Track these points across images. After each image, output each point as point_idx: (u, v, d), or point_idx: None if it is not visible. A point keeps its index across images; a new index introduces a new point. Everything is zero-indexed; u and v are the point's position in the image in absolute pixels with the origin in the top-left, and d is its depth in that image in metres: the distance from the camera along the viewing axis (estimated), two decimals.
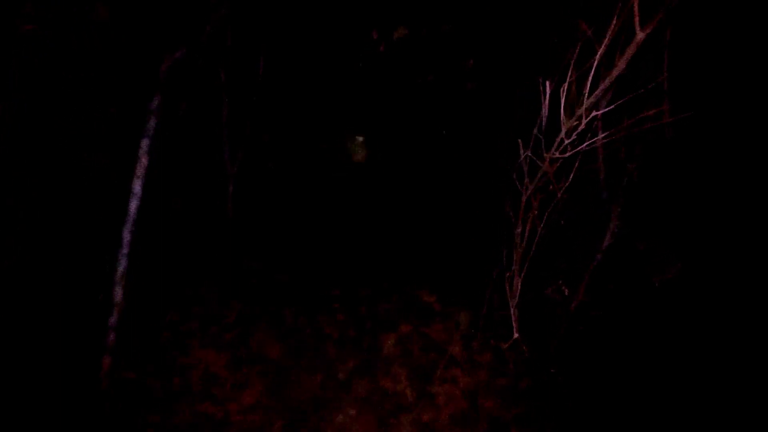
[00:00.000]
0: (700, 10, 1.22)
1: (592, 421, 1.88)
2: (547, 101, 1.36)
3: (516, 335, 1.84)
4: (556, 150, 1.35)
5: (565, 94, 1.34)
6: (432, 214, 2.60)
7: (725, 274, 1.57)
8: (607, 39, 1.12)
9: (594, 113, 1.30)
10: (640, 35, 1.09)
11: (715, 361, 1.76)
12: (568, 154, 1.41)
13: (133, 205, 1.77)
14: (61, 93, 2.04)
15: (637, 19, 1.09)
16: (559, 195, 1.47)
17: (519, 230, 1.62)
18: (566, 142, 1.38)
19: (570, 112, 1.35)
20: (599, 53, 1.14)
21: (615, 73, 1.16)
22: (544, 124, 1.42)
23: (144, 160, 1.78)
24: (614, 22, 1.11)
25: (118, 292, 1.81)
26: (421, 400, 2.12)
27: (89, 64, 2.05)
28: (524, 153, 1.47)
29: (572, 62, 1.22)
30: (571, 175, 1.43)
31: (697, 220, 1.50)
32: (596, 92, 1.24)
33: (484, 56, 2.04)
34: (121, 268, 1.81)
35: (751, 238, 1.48)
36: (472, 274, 2.39)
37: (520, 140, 1.54)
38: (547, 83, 1.28)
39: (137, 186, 1.77)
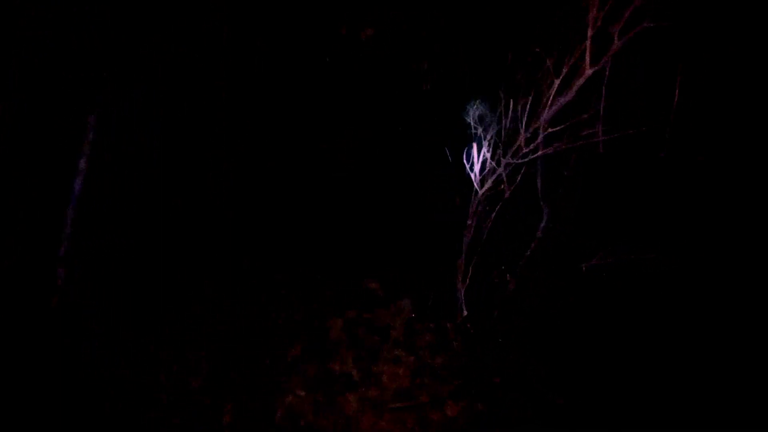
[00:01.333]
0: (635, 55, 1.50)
1: (521, 392, 2.21)
2: (509, 114, 1.57)
3: (465, 313, 2.06)
4: (512, 156, 1.57)
5: (524, 110, 1.55)
6: (387, 208, 2.72)
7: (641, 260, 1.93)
8: (564, 71, 1.35)
9: (549, 130, 1.53)
10: (588, 71, 1.33)
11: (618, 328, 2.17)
12: (521, 161, 1.63)
13: (78, 182, 1.64)
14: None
15: (588, 58, 1.32)
16: (507, 195, 1.69)
17: (470, 222, 1.83)
18: (524, 150, 1.61)
19: (527, 126, 1.57)
20: (556, 83, 1.37)
21: (566, 99, 1.39)
22: (504, 133, 1.62)
23: (91, 136, 1.66)
24: (568, 59, 1.34)
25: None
26: (367, 379, 2.26)
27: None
28: (482, 155, 1.67)
29: (530, 84, 1.43)
30: (518, 177, 1.67)
31: (616, 219, 1.85)
32: (550, 112, 1.47)
33: (443, 61, 2.20)
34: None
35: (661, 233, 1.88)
36: (417, 263, 2.57)
37: (475, 144, 1.73)
38: (510, 101, 1.49)
39: (82, 163, 1.65)
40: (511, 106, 1.54)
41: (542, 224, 1.83)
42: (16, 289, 2.06)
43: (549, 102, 1.46)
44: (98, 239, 2.29)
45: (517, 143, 1.58)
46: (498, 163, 1.69)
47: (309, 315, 2.49)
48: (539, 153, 1.58)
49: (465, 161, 1.84)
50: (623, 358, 2.14)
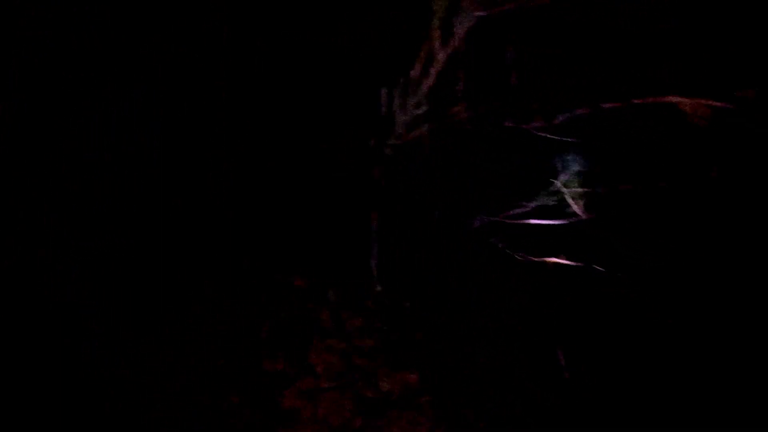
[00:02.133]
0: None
1: (443, 352, 2.39)
2: (385, 102, 1.70)
3: (378, 288, 2.20)
4: (394, 138, 1.72)
5: (397, 96, 1.69)
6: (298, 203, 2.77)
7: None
8: (421, 57, 1.49)
9: (419, 111, 1.68)
10: (440, 55, 1.49)
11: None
12: (402, 142, 1.77)
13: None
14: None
15: (437, 44, 1.47)
16: (398, 173, 1.85)
17: (375, 203, 1.97)
18: (400, 132, 1.75)
19: (403, 109, 1.71)
20: (415, 69, 1.51)
21: (428, 82, 1.55)
22: (385, 118, 1.76)
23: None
24: (423, 47, 1.48)
25: None
26: (301, 371, 2.33)
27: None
28: (373, 141, 1.79)
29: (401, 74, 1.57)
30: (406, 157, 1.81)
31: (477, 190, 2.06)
32: (418, 96, 1.62)
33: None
34: None
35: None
36: (337, 253, 2.66)
37: (367, 131, 1.86)
38: (384, 91, 1.62)
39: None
40: (385, 94, 1.68)
41: (436, 198, 1.98)
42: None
43: (414, 87, 1.61)
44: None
45: (397, 127, 1.72)
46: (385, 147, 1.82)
47: (239, 320, 2.50)
48: (416, 132, 1.73)
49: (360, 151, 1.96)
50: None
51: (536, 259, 1.97)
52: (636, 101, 1.94)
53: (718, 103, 1.85)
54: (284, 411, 2.17)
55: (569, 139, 1.64)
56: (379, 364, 2.39)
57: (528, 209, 2.00)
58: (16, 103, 2.02)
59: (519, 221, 1.99)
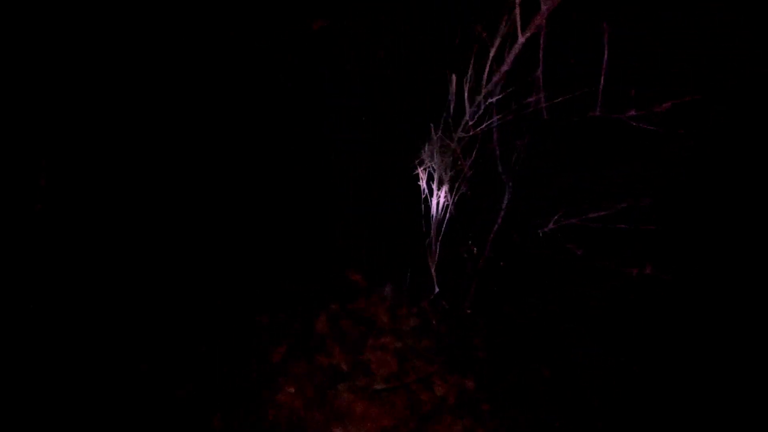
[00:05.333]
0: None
1: (503, 359, 2.25)
2: (453, 91, 1.60)
3: (436, 290, 2.11)
4: (462, 130, 1.61)
5: (467, 85, 1.59)
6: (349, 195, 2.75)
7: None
8: (497, 41, 1.38)
9: (490, 100, 1.57)
10: (521, 39, 1.36)
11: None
12: (471, 134, 1.67)
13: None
14: None
15: (519, 25, 1.35)
16: (465, 170, 1.73)
17: (435, 202, 1.87)
18: (470, 123, 1.64)
19: (472, 100, 1.61)
20: (491, 53, 1.40)
21: (504, 68, 1.43)
22: (452, 110, 1.66)
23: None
24: (502, 26, 1.37)
25: None
26: (356, 368, 2.30)
27: None
28: (436, 134, 1.70)
29: (472, 59, 1.47)
30: (474, 152, 1.71)
31: (570, 184, 1.90)
32: (491, 83, 1.50)
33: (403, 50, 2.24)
34: None
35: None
36: (394, 249, 2.61)
37: (431, 124, 1.77)
38: (453, 76, 1.52)
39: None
40: (455, 82, 1.58)
41: (506, 196, 1.86)
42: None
43: (487, 74, 1.49)
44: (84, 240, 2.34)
45: (466, 117, 1.61)
46: (451, 140, 1.72)
47: (293, 312, 2.51)
48: (484, 125, 1.62)
49: (421, 143, 1.88)
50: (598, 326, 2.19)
51: (616, 267, 1.79)
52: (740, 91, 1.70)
53: None
54: (337, 407, 2.15)
55: (670, 131, 1.45)
56: (435, 367, 2.30)
57: (610, 212, 1.82)
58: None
59: (598, 225, 1.83)
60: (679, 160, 1.87)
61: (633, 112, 1.45)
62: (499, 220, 1.88)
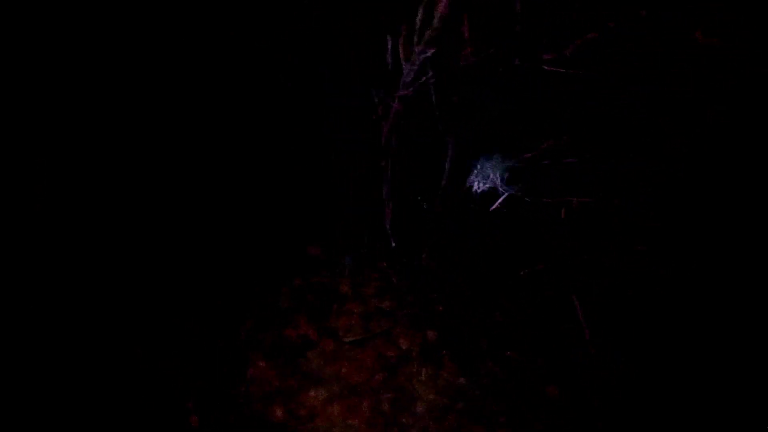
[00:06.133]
0: None
1: (460, 309, 2.41)
2: (389, 52, 1.67)
3: (393, 244, 2.22)
4: (402, 89, 1.70)
5: (402, 46, 1.67)
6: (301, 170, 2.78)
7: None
8: (422, 5, 1.47)
9: (423, 56, 1.64)
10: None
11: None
12: (410, 92, 1.75)
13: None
14: None
15: None
16: (409, 130, 1.83)
17: (383, 164, 1.96)
18: (407, 82, 1.72)
19: (407, 58, 1.68)
20: (419, 15, 1.49)
21: (433, 28, 1.51)
22: (390, 70, 1.72)
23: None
24: None
25: None
26: (323, 335, 2.40)
27: None
28: (376, 96, 1.77)
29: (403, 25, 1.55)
30: (411, 112, 1.79)
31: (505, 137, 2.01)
32: (423, 43, 1.60)
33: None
34: None
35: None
36: (350, 221, 2.70)
37: (373, 89, 1.84)
38: (389, 39, 1.60)
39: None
40: (390, 43, 1.65)
41: (449, 153, 1.97)
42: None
43: (418, 31, 1.58)
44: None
45: (403, 76, 1.70)
46: (392, 100, 1.81)
47: (257, 291, 2.58)
48: (416, 83, 1.71)
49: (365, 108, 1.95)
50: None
51: (556, 200, 1.93)
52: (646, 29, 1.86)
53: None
54: (308, 372, 2.25)
55: (582, 73, 1.58)
56: (398, 323, 2.43)
57: (542, 152, 1.95)
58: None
59: (534, 164, 1.95)
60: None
61: (547, 56, 1.56)
62: (445, 178, 1.98)
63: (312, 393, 2.18)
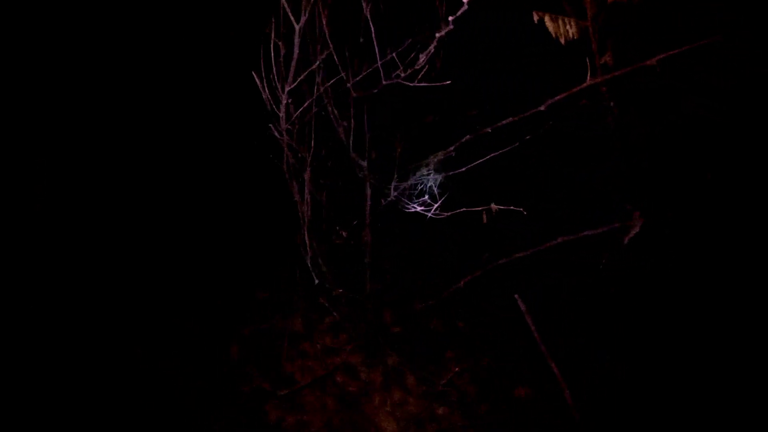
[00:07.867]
0: None
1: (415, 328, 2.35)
2: (266, 90, 1.63)
3: (316, 281, 2.16)
4: (287, 123, 1.65)
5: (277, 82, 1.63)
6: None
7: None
8: (272, 35, 1.44)
9: (289, 88, 1.60)
10: (297, 27, 1.43)
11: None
12: (296, 123, 1.70)
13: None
14: None
15: (291, 17, 1.42)
16: (308, 160, 1.77)
17: (297, 198, 1.90)
18: (289, 114, 1.67)
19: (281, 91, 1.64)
20: (271, 46, 1.46)
21: (294, 57, 1.49)
22: (270, 106, 1.68)
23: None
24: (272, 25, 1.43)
25: None
26: (279, 384, 2.27)
27: None
28: (270, 129, 1.71)
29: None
30: (312, 141, 1.74)
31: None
32: (289, 78, 1.56)
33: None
34: None
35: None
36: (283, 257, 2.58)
37: (271, 125, 1.78)
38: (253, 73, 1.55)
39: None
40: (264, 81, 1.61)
41: (362, 173, 1.91)
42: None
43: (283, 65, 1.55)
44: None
45: (281, 113, 1.66)
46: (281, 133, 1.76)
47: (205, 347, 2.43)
48: (296, 114, 1.67)
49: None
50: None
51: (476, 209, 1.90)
52: None
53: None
54: (270, 424, 2.11)
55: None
56: (356, 355, 2.33)
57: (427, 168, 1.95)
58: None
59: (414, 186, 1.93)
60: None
61: (401, 73, 1.55)
62: (368, 206, 1.92)
63: None
